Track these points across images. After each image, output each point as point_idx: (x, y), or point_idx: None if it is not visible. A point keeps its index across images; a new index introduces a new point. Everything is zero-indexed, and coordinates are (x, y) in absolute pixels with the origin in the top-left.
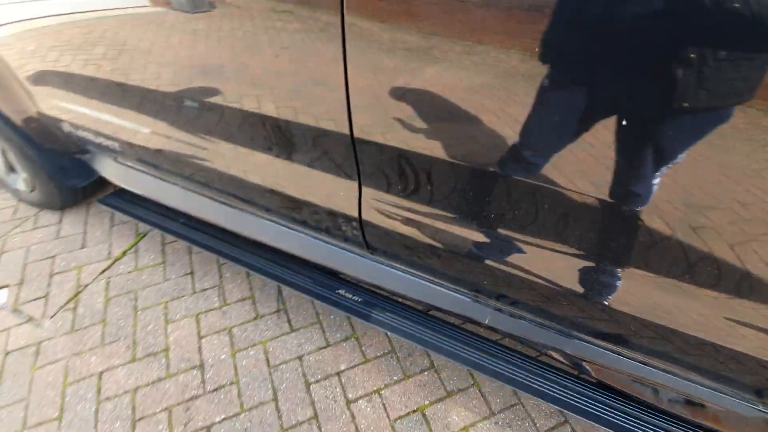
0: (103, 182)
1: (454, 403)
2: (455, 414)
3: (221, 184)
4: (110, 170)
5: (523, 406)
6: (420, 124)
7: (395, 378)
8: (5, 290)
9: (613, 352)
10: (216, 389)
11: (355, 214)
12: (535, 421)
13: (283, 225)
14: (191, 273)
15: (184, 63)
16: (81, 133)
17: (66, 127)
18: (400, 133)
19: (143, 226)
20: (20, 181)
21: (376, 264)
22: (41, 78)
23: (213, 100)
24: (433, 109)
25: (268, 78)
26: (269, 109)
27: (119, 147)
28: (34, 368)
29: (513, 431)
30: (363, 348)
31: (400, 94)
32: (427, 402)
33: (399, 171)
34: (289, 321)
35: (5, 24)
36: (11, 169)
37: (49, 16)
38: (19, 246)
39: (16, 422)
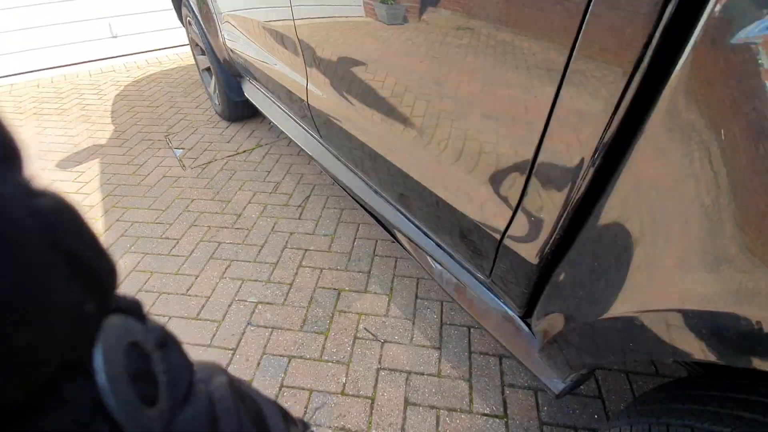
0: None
1: (365, 298)
2: (359, 303)
3: (289, 102)
4: (248, 89)
5: (413, 323)
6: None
7: (339, 268)
8: (181, 150)
9: None
10: (238, 228)
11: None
12: (414, 338)
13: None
14: (269, 171)
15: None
16: (239, 60)
17: (234, 56)
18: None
19: (264, 140)
20: (216, 98)
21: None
22: (230, 35)
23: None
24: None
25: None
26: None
27: (254, 73)
28: (171, 186)
29: (393, 331)
30: (332, 245)
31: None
32: (347, 288)
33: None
34: (301, 214)
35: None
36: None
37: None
38: (201, 134)
39: (159, 211)
